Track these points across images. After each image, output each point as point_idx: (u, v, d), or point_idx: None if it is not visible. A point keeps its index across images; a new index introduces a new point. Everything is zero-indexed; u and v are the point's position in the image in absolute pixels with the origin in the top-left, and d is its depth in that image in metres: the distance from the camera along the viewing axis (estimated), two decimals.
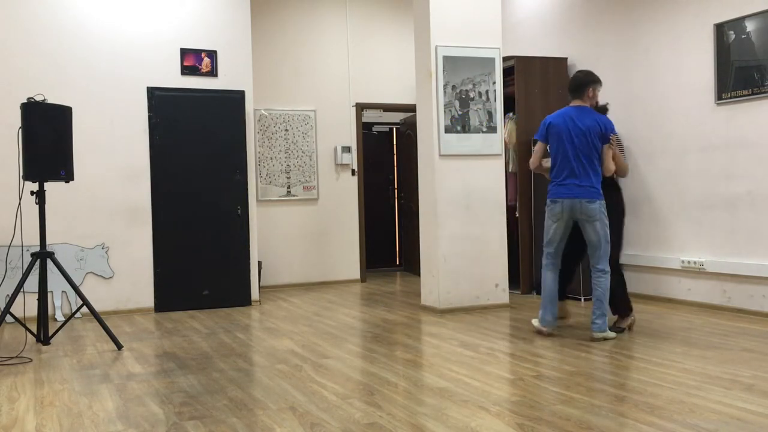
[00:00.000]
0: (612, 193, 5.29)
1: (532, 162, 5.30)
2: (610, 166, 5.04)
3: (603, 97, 7.17)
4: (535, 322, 5.31)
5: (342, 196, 8.88)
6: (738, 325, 5.45)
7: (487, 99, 6.59)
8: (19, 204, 5.65)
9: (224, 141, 7.14)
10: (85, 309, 6.64)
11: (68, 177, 5.23)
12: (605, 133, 4.99)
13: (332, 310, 6.71)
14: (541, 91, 7.49)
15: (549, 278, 5.18)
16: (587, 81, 5.11)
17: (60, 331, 5.89)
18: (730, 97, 5.97)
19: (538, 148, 5.26)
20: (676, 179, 6.50)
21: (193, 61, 7.14)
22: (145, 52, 6.99)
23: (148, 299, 6.97)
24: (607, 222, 4.98)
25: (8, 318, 6.00)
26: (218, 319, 6.41)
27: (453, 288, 6.44)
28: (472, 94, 6.54)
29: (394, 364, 4.47)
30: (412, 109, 9.08)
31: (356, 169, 8.95)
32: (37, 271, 5.60)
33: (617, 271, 5.26)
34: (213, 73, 7.21)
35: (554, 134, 5.09)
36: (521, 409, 3.42)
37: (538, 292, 7.38)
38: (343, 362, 4.55)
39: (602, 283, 4.94)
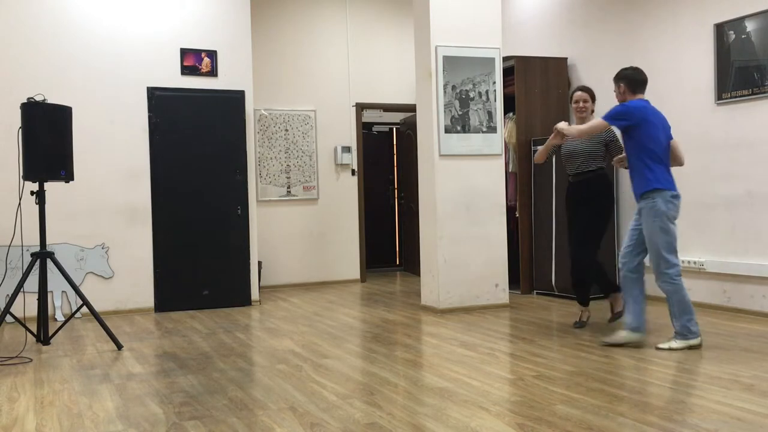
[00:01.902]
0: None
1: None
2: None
3: (602, 96, 7.16)
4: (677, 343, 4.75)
5: (342, 196, 8.88)
6: (738, 325, 5.45)
7: (487, 99, 6.59)
8: (19, 204, 5.65)
9: (224, 141, 7.14)
10: (85, 309, 6.63)
11: (68, 177, 5.23)
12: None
13: (332, 310, 6.71)
14: (541, 91, 7.49)
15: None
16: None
17: (60, 331, 5.89)
18: (730, 97, 5.96)
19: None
20: (676, 179, 6.47)
21: (193, 61, 7.14)
22: (145, 52, 6.99)
23: (148, 299, 6.97)
24: None
25: (8, 318, 5.99)
26: (218, 319, 6.41)
27: (453, 288, 6.44)
28: (472, 94, 6.54)
29: (394, 364, 4.47)
30: (412, 109, 9.07)
31: (356, 169, 8.95)
32: (37, 271, 5.59)
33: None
34: (213, 73, 7.21)
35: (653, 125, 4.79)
36: (521, 409, 3.42)
37: (541, 293, 7.38)
38: (343, 362, 4.55)
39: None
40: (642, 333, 4.77)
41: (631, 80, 4.84)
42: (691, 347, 4.64)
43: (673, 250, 4.67)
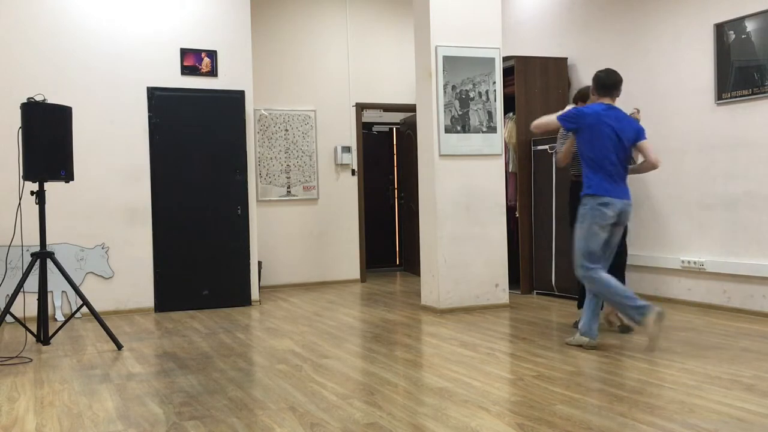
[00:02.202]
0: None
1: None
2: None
3: None
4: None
5: (342, 196, 8.88)
6: (738, 325, 5.45)
7: (487, 99, 6.59)
8: (19, 204, 5.64)
9: (224, 141, 7.14)
10: (85, 309, 6.64)
11: (68, 177, 5.23)
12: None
13: (332, 310, 6.71)
14: (541, 91, 7.49)
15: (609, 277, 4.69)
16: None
17: (60, 331, 5.89)
18: (730, 97, 5.97)
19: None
20: (676, 179, 6.50)
21: (193, 61, 7.14)
22: (145, 52, 6.99)
23: (148, 299, 6.97)
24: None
25: (8, 318, 6.00)
26: (218, 319, 6.41)
27: (453, 288, 6.44)
28: (472, 94, 6.54)
29: (394, 364, 4.47)
30: (412, 109, 9.07)
31: (356, 169, 8.95)
32: (37, 271, 5.60)
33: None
34: (213, 73, 7.21)
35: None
36: (521, 409, 3.42)
37: (541, 293, 7.38)
38: (343, 362, 4.55)
39: None
40: (591, 338, 4.73)
41: (597, 83, 4.87)
42: (658, 318, 4.43)
43: (591, 257, 4.67)
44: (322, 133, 8.79)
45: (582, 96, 5.51)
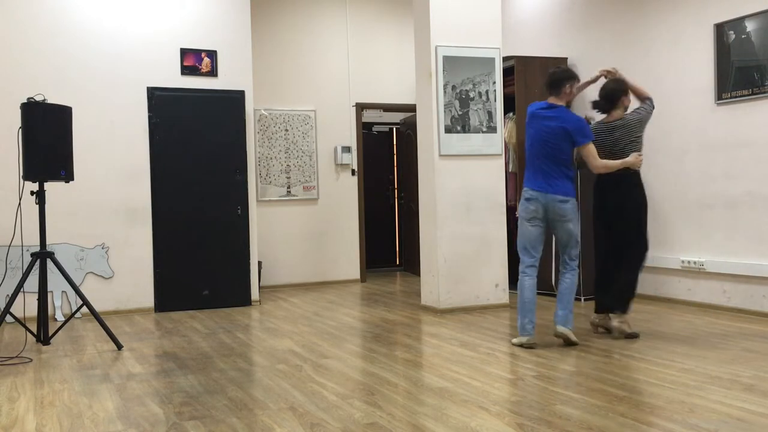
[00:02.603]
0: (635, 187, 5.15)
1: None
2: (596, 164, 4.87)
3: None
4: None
5: (342, 196, 8.88)
6: (738, 325, 5.45)
7: (487, 99, 6.59)
8: (19, 204, 5.65)
9: (224, 141, 7.14)
10: (85, 309, 6.64)
11: (68, 177, 5.23)
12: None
13: (332, 310, 6.71)
14: (541, 91, 7.46)
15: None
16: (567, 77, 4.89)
17: (60, 331, 5.89)
18: (730, 97, 5.97)
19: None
20: (676, 179, 6.50)
21: (193, 61, 7.14)
22: (145, 52, 6.99)
23: (148, 299, 6.97)
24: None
25: (8, 318, 6.00)
26: (218, 319, 6.41)
27: (453, 288, 6.44)
28: (472, 94, 6.54)
29: (394, 364, 4.47)
30: (412, 109, 9.07)
31: (356, 169, 8.95)
32: (37, 271, 5.60)
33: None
34: (213, 73, 7.21)
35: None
36: (521, 409, 3.42)
37: (541, 293, 7.38)
38: (343, 362, 4.55)
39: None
40: (561, 328, 4.86)
41: (545, 81, 4.99)
42: (522, 345, 4.87)
43: (525, 252, 5.01)
44: (322, 133, 8.79)
45: (608, 97, 5.24)
